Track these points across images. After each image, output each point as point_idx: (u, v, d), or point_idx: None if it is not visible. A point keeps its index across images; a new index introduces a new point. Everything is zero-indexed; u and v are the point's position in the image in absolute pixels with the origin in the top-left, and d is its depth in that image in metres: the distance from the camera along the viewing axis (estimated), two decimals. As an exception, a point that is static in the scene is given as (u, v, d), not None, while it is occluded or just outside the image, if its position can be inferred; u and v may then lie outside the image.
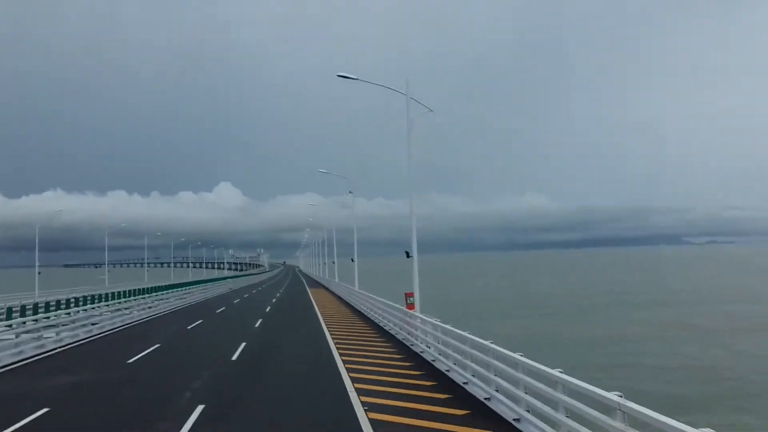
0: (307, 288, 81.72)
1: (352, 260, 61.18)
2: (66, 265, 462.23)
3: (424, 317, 21.09)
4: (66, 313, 30.88)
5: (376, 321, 32.18)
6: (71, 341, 27.13)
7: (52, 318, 30.10)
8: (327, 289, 76.62)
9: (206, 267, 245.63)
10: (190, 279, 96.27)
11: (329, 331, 28.63)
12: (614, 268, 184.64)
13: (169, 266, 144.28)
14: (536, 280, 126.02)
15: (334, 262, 64.09)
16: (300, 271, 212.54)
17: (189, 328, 32.76)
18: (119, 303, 38.30)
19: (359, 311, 39.79)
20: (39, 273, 66.73)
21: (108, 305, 36.21)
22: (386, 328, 28.67)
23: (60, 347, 25.38)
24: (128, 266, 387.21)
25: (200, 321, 36.41)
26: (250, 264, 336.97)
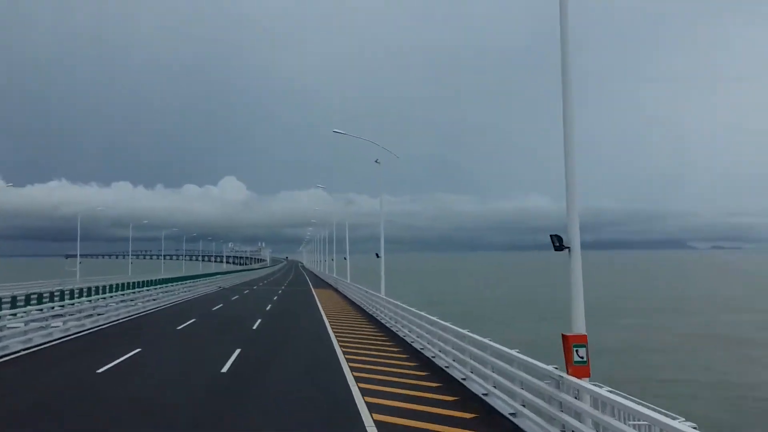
0: (312, 288, 70.83)
1: (345, 258, 58.79)
2: (67, 256, 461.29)
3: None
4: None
5: (433, 359, 19.44)
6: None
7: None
8: (336, 290, 65.93)
9: (203, 260, 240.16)
10: (181, 274, 79.70)
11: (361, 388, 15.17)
12: (625, 272, 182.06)
13: (162, 258, 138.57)
14: (544, 282, 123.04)
15: (345, 259, 58.52)
16: (303, 267, 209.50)
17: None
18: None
19: (392, 332, 27.15)
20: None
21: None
22: (452, 372, 17.14)
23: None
24: (123, 258, 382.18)
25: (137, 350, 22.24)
26: (250, 258, 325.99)
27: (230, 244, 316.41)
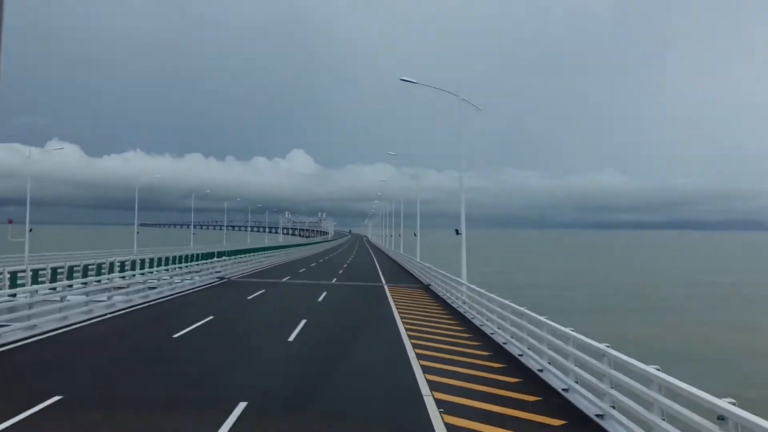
0: (385, 284, 40.60)
1: (414, 234, 56.03)
2: (142, 224, 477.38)
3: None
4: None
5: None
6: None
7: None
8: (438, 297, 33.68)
9: (261, 231, 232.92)
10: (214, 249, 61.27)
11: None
12: (712, 253, 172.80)
13: (226, 229, 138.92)
14: (630, 264, 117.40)
15: (415, 234, 52.78)
16: (368, 241, 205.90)
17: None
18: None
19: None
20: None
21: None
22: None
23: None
24: (186, 227, 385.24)
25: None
26: (309, 230, 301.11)
27: (287, 214, 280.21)
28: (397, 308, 27.27)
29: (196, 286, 36.04)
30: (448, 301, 30.10)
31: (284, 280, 43.31)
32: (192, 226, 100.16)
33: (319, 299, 30.97)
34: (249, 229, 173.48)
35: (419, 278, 45.01)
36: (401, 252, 73.72)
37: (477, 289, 23.94)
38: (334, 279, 44.81)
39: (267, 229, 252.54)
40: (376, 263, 71.00)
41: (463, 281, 27.87)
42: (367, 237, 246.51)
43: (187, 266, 38.73)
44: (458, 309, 26.81)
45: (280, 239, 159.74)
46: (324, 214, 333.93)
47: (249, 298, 31.08)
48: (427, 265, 41.29)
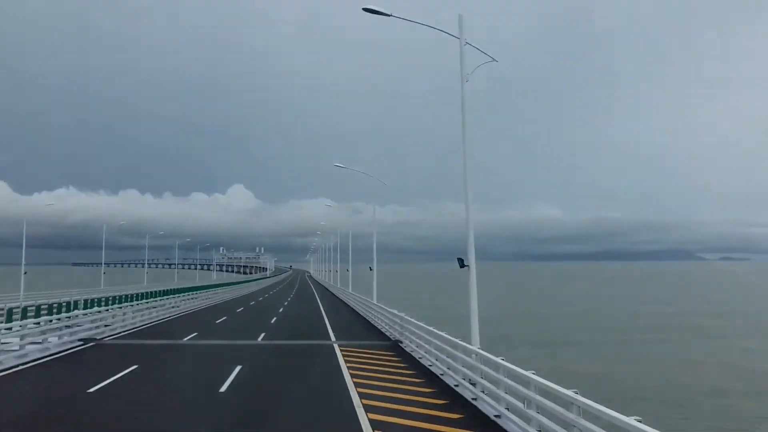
0: (335, 342, 29.78)
1: (370, 269, 53.93)
2: (75, 264, 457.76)
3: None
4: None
5: None
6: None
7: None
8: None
9: (191, 269, 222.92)
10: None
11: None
12: (649, 283, 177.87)
13: (153, 266, 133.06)
14: (570, 294, 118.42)
15: (348, 270, 51.13)
16: (311, 277, 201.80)
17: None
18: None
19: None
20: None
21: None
22: None
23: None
24: (123, 266, 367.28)
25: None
26: (247, 267, 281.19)
27: (222, 249, 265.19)
28: (363, 400, 15.73)
29: (32, 359, 23.21)
30: (437, 373, 19.95)
31: (186, 339, 30.68)
32: (146, 265, 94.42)
33: (223, 387, 17.67)
34: (176, 266, 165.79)
35: (383, 330, 33.84)
36: (349, 290, 64.02)
37: (511, 367, 13.42)
38: (261, 336, 32.06)
39: (197, 266, 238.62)
40: (320, 306, 59.89)
41: (473, 347, 16.91)
42: (309, 272, 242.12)
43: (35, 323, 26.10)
44: (469, 399, 16.15)
45: (214, 277, 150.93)
46: (262, 249, 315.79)
47: (91, 390, 17.32)
48: (395, 312, 29.73)
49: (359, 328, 37.22)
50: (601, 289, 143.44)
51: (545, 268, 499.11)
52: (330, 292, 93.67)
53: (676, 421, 23.43)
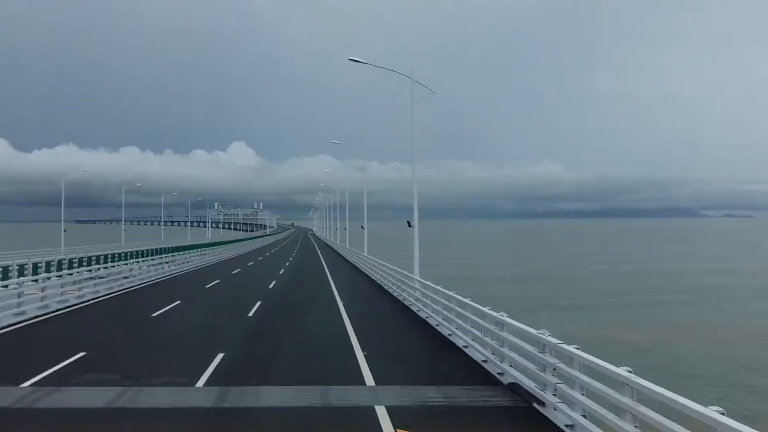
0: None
1: (362, 227, 52.46)
2: (78, 221, 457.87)
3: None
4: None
5: None
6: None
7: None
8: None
9: (201, 226, 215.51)
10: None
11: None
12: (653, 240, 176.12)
13: (164, 224, 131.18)
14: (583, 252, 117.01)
15: (363, 227, 47.32)
16: (314, 235, 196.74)
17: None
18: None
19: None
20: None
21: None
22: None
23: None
24: (117, 224, 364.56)
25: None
26: (245, 224, 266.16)
27: (216, 206, 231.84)
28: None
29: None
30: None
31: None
32: (123, 222, 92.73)
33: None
34: (189, 224, 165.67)
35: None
36: (365, 254, 47.74)
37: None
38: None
39: (207, 224, 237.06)
40: (329, 278, 41.49)
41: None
42: (312, 230, 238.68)
43: None
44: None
45: (209, 235, 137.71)
46: (261, 205, 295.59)
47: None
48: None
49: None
50: (610, 247, 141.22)
51: (553, 226, 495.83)
52: (336, 252, 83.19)
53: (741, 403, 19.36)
